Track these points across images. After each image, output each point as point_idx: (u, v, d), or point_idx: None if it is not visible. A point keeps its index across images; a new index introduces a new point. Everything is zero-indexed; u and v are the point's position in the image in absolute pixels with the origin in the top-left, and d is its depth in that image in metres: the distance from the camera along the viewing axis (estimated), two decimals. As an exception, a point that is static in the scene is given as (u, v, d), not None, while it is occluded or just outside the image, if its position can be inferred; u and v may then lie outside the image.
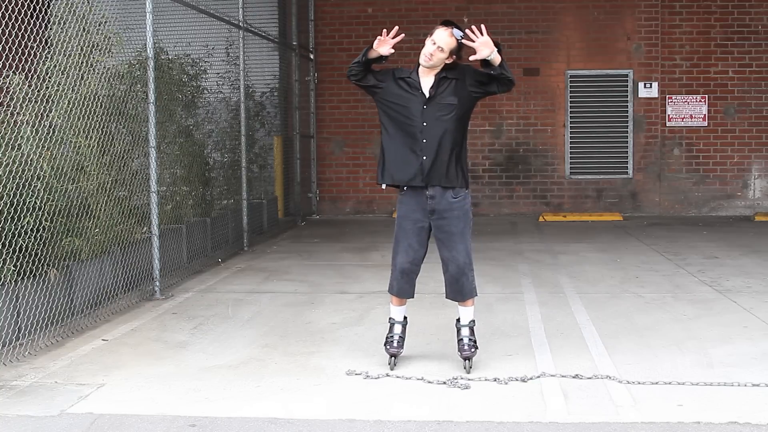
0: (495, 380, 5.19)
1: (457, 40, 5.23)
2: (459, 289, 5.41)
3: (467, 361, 5.40)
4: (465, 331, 5.46)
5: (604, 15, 15.09)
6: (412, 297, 5.55)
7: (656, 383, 5.10)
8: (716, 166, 15.12)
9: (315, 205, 15.51)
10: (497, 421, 4.52)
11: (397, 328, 5.58)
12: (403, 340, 5.60)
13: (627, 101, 15.12)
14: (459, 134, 5.33)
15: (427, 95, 5.29)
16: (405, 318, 5.63)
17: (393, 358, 5.53)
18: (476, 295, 5.49)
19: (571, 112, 15.22)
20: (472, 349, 5.42)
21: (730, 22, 14.93)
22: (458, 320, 5.52)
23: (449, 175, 5.29)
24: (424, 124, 5.28)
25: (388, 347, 5.55)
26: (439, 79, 5.29)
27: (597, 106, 15.20)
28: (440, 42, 5.22)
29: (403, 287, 5.48)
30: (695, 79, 15.03)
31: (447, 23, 5.29)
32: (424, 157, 5.27)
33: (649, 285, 8.34)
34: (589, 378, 5.21)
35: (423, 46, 5.31)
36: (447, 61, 5.28)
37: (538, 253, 10.52)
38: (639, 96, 15.08)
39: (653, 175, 15.16)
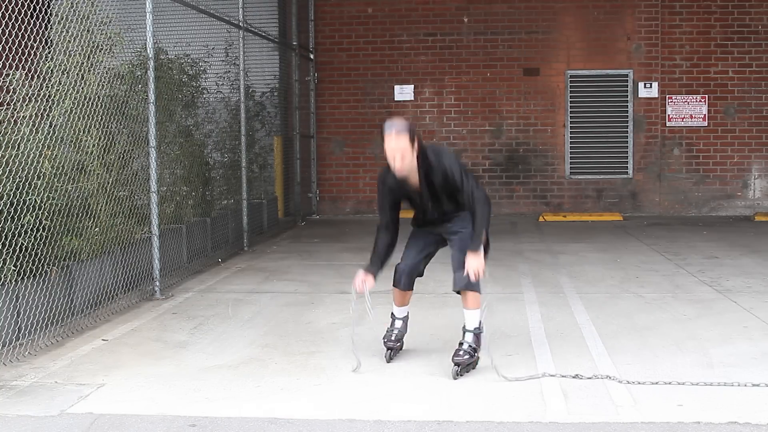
0: (495, 380, 5.19)
1: (404, 131, 5.16)
2: (460, 278, 5.33)
3: (456, 366, 5.29)
4: (467, 337, 5.39)
5: (604, 15, 15.09)
6: (411, 289, 5.69)
7: (656, 383, 5.10)
8: (716, 166, 15.12)
9: (315, 205, 15.52)
10: (497, 421, 4.52)
11: (398, 323, 5.74)
12: (402, 335, 5.73)
13: (627, 101, 15.12)
14: (454, 194, 5.41)
15: (420, 193, 5.42)
16: (407, 315, 5.76)
17: (389, 351, 5.68)
18: (478, 293, 5.36)
19: (571, 112, 15.22)
20: (465, 356, 5.31)
21: (730, 22, 14.93)
22: (464, 326, 5.48)
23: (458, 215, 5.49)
24: (429, 204, 5.48)
25: (385, 340, 5.71)
26: (425, 176, 5.34)
27: (597, 106, 15.20)
28: (396, 148, 5.16)
29: (407, 281, 5.63)
30: (695, 79, 15.03)
31: (382, 132, 5.24)
32: (440, 220, 5.53)
33: (649, 285, 8.34)
34: (589, 378, 5.21)
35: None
36: (414, 153, 5.23)
37: (538, 253, 10.52)
38: (639, 96, 15.08)
39: (653, 175, 15.16)
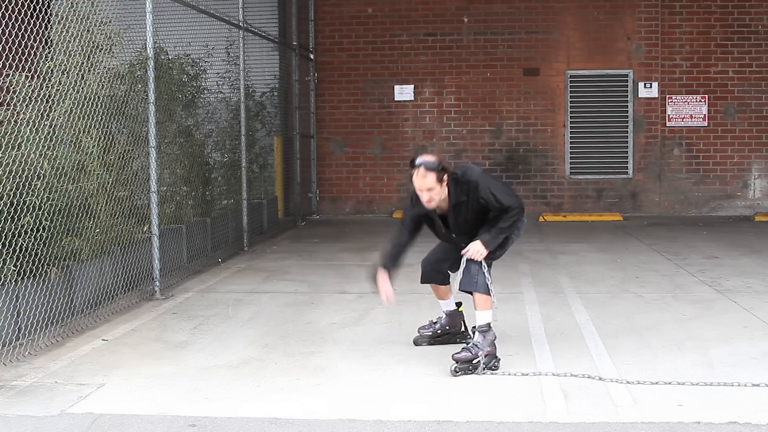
0: (495, 380, 5.19)
1: (432, 169, 5.26)
2: (467, 276, 5.42)
3: (454, 362, 5.32)
4: (474, 336, 5.48)
5: (604, 15, 15.09)
6: (442, 283, 5.91)
7: (656, 383, 5.10)
8: (716, 166, 15.12)
9: (315, 205, 15.52)
10: (497, 421, 4.52)
11: (442, 316, 6.05)
12: (443, 329, 6.02)
13: (627, 101, 15.12)
14: (482, 216, 5.46)
15: (446, 221, 5.55)
16: (453, 311, 6.02)
17: (417, 337, 6.09)
18: (482, 293, 5.38)
19: (571, 112, 15.22)
20: (464, 353, 5.33)
21: (730, 22, 14.93)
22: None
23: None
24: (454, 236, 5.62)
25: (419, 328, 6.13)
26: (454, 206, 5.43)
27: (597, 106, 15.20)
28: (423, 187, 5.29)
29: (428, 274, 5.88)
30: (695, 79, 15.03)
31: (412, 165, 5.34)
32: (459, 242, 5.59)
33: (649, 285, 8.34)
34: (589, 378, 5.21)
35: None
36: (444, 186, 5.33)
37: (538, 253, 10.52)
38: (639, 96, 15.08)
39: (653, 175, 15.16)
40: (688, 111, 15.04)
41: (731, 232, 12.50)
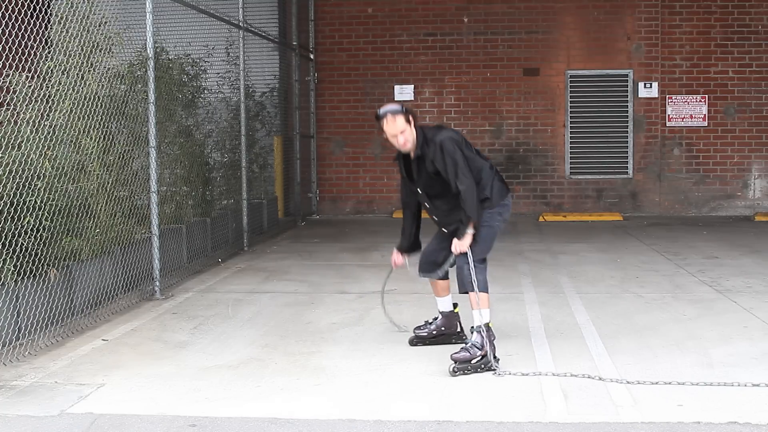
0: (495, 380, 5.19)
1: (398, 112, 5.46)
2: (460, 277, 5.54)
3: (454, 363, 5.33)
4: (471, 335, 5.47)
5: (604, 15, 15.09)
6: (439, 278, 5.92)
7: (656, 383, 5.10)
8: (716, 166, 15.12)
9: (315, 205, 15.52)
10: (497, 421, 4.52)
11: (438, 316, 6.07)
12: (438, 329, 6.02)
13: (627, 101, 15.13)
14: (444, 183, 5.53)
15: (414, 175, 5.69)
16: (449, 311, 6.01)
17: (413, 338, 6.09)
18: (474, 291, 5.41)
19: (571, 112, 15.22)
20: (462, 353, 5.34)
21: (730, 22, 14.93)
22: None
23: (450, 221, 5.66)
24: (419, 191, 5.73)
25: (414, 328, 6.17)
26: (417, 158, 5.57)
27: (597, 106, 15.20)
28: (396, 131, 5.47)
29: (422, 265, 5.92)
30: (695, 79, 15.03)
31: (377, 117, 5.53)
32: (435, 218, 5.77)
33: (649, 285, 8.34)
34: (589, 378, 5.21)
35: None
36: (413, 128, 5.50)
37: (538, 253, 10.52)
38: (639, 96, 15.08)
39: (653, 175, 15.16)
40: (688, 111, 15.04)
41: (731, 232, 12.50)
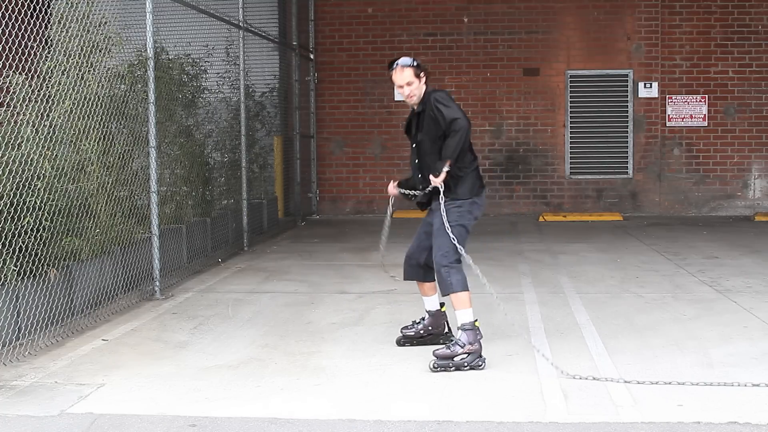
0: (495, 380, 5.19)
1: (408, 65, 5.56)
2: (439, 282, 5.59)
3: (435, 359, 5.38)
4: (456, 333, 5.51)
5: (604, 15, 15.10)
6: (421, 280, 5.92)
7: (656, 383, 5.10)
8: (716, 166, 15.12)
9: (315, 205, 15.52)
10: (497, 421, 4.52)
11: (426, 316, 6.01)
12: (426, 329, 5.97)
13: (627, 101, 15.13)
14: (437, 144, 5.61)
15: (413, 130, 5.82)
16: (436, 311, 5.97)
17: (400, 337, 6.05)
18: (455, 292, 5.43)
19: (571, 112, 15.22)
20: (445, 350, 5.39)
21: (730, 22, 14.93)
22: None
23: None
24: (413, 146, 5.85)
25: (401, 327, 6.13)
26: (418, 114, 5.68)
27: (597, 106, 15.21)
28: (402, 82, 5.56)
29: (406, 270, 5.95)
30: (695, 79, 15.03)
31: (390, 65, 5.66)
32: (419, 175, 5.81)
33: (649, 285, 8.34)
34: (589, 378, 5.21)
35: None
36: (422, 84, 5.59)
37: (538, 253, 10.52)
38: (639, 96, 15.08)
39: (653, 175, 15.17)
40: (688, 111, 15.04)
41: (731, 232, 12.50)
